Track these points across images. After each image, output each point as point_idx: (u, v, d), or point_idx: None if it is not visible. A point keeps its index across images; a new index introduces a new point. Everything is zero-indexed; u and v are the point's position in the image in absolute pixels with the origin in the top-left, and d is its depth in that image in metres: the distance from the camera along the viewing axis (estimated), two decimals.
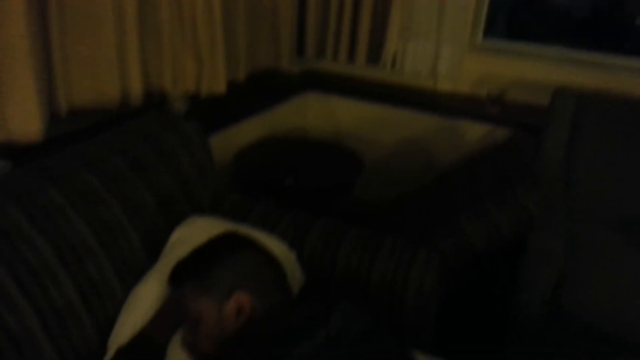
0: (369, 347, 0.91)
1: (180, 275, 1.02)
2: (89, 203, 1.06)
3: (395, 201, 1.90)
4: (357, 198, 2.32)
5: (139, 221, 1.15)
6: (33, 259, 0.94)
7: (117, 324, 1.05)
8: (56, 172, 1.06)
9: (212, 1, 1.67)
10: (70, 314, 0.98)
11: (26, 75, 1.21)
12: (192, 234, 1.19)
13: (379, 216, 1.75)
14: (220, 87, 1.80)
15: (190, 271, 1.01)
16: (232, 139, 2.07)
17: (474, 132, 2.15)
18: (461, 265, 1.45)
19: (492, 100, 2.12)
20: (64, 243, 0.99)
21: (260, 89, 2.24)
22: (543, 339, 1.43)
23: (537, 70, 2.14)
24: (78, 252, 1.01)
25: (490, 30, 2.30)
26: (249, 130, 2.16)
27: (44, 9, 1.25)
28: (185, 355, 0.99)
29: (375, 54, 2.27)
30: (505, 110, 2.12)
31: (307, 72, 2.54)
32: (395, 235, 1.34)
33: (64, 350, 0.97)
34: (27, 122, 1.25)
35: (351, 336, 0.90)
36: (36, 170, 1.06)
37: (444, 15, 2.14)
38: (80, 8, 1.34)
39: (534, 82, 2.13)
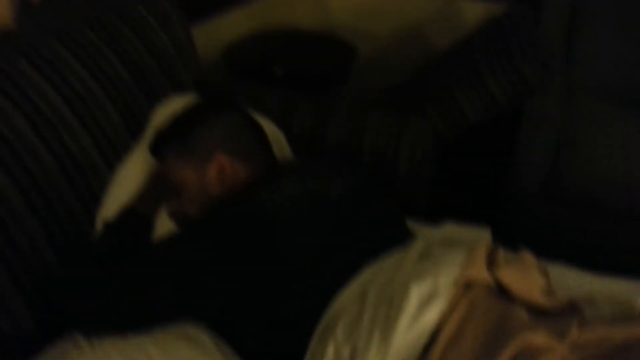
0: (349, 205, 0.90)
1: (160, 144, 0.99)
2: (61, 75, 1.01)
3: (390, 88, 1.85)
4: (354, 94, 2.25)
5: (116, 95, 1.10)
6: (8, 131, 0.91)
7: (104, 201, 1.04)
8: (26, 43, 1.01)
9: None
10: (52, 188, 0.96)
11: None
12: (174, 110, 1.15)
13: (373, 100, 1.70)
14: None
15: (170, 139, 0.98)
16: (219, 32, 1.98)
17: (472, 11, 2.03)
18: (456, 136, 1.41)
19: None
20: (37, 115, 0.96)
21: None
22: (541, 209, 1.43)
23: None
24: (54, 125, 0.98)
25: None
26: (236, 23, 2.06)
27: None
28: (173, 224, 0.99)
29: None
30: None
31: None
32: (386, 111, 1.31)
33: (49, 225, 0.95)
34: None
35: (330, 192, 0.90)
36: (5, 42, 1.02)
37: None
38: None
39: None
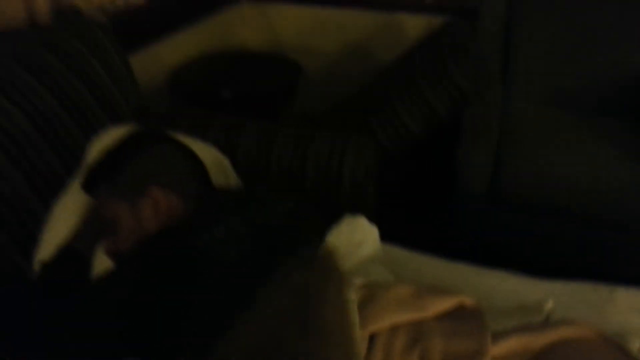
0: (289, 227, 0.90)
1: (93, 180, 0.98)
2: None
3: (334, 106, 1.87)
4: (301, 112, 2.27)
5: (51, 132, 1.08)
6: None
7: (40, 239, 1.01)
8: None
9: None
10: None
11: None
12: (112, 143, 1.13)
13: (319, 118, 1.71)
14: None
15: (103, 175, 0.97)
16: (162, 58, 1.96)
17: (413, 24, 2.08)
18: (401, 152, 1.43)
19: None
20: None
21: (188, 0, 2.11)
22: (486, 219, 1.46)
23: None
24: None
25: None
26: (180, 47, 2.04)
27: None
28: (110, 261, 0.97)
29: None
30: None
31: None
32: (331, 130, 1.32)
33: None
34: None
35: (270, 219, 0.89)
36: None
37: None
38: None
39: None
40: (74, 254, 0.96)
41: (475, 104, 1.42)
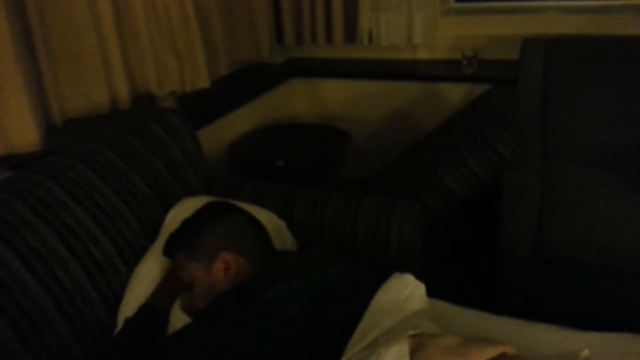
0: (343, 286, 1.00)
1: (172, 246, 1.12)
2: (87, 194, 1.16)
3: (381, 171, 1.98)
4: (349, 178, 2.40)
5: (136, 206, 1.25)
6: (40, 246, 1.04)
7: (124, 300, 1.16)
8: (53, 168, 1.17)
9: (184, 1, 1.77)
10: (80, 294, 1.08)
11: (19, 92, 1.32)
12: (185, 212, 1.28)
13: (365, 183, 1.83)
14: (204, 82, 1.89)
15: (180, 241, 1.11)
16: (224, 132, 2.17)
17: (455, 93, 2.22)
18: (445, 215, 1.52)
19: (469, 60, 2.18)
20: (67, 230, 1.09)
21: (246, 82, 2.34)
22: (531, 277, 1.50)
23: (508, 24, 2.21)
24: (81, 238, 1.11)
25: None
26: (239, 122, 2.25)
27: (29, 32, 1.36)
28: (186, 317, 1.09)
29: (351, 32, 2.35)
30: (482, 68, 2.19)
31: (289, 60, 2.63)
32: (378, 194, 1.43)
33: (77, 327, 1.07)
34: (24, 135, 1.36)
35: (327, 278, 1.00)
36: (34, 168, 1.17)
37: None
38: (61, 25, 1.44)
39: (507, 37, 2.19)
40: (153, 310, 1.10)
41: (516, 167, 1.50)
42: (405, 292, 0.96)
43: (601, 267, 1.43)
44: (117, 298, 1.16)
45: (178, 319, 1.10)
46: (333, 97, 2.55)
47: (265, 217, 1.29)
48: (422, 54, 2.40)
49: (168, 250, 1.13)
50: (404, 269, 1.26)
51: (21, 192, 1.08)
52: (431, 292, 1.08)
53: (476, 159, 1.49)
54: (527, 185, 1.48)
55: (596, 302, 1.43)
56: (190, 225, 1.12)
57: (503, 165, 1.49)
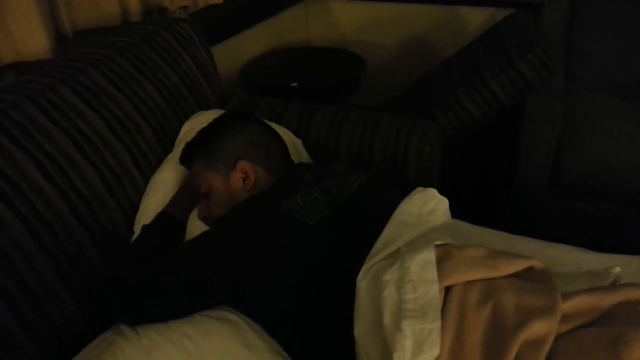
0: (363, 198, 0.99)
1: (189, 155, 1.10)
2: (100, 100, 1.13)
3: (396, 96, 1.93)
4: (362, 104, 2.35)
5: (150, 116, 1.22)
6: (53, 150, 1.02)
7: (140, 208, 1.15)
8: (65, 72, 1.13)
9: None
10: (96, 199, 1.07)
11: (29, 2, 1.26)
12: (201, 124, 1.25)
13: (381, 107, 1.79)
14: None
15: (197, 149, 1.09)
16: (236, 51, 2.11)
17: (475, 18, 2.13)
18: (464, 139, 1.49)
19: None
20: (80, 135, 1.07)
21: (259, 0, 2.24)
22: (547, 201, 1.49)
23: None
24: (95, 144, 1.09)
25: None
26: (252, 42, 2.19)
27: None
28: (203, 225, 1.09)
29: None
30: None
31: None
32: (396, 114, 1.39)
33: (94, 232, 1.06)
34: (34, 41, 1.31)
35: (347, 191, 0.98)
36: (43, 72, 1.13)
37: None
38: None
39: None
40: (171, 218, 1.09)
41: (538, 93, 1.45)
42: (428, 205, 0.94)
43: (617, 192, 1.42)
44: (134, 207, 1.15)
45: (195, 226, 1.10)
46: (348, 20, 2.46)
47: (281, 132, 1.26)
48: None
49: (185, 159, 1.11)
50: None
51: (32, 94, 1.05)
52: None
53: (499, 81, 1.44)
54: (550, 110, 1.44)
55: (613, 228, 1.42)
56: (208, 133, 1.09)
57: (526, 88, 1.44)
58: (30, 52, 1.32)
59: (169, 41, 1.35)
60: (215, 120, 1.12)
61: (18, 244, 0.93)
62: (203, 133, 1.10)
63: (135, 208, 1.15)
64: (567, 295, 0.74)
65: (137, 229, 1.11)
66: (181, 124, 1.29)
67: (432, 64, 2.19)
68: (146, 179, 1.18)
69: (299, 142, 1.34)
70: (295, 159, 1.26)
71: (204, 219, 1.08)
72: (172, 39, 1.36)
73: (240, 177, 1.04)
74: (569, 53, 1.70)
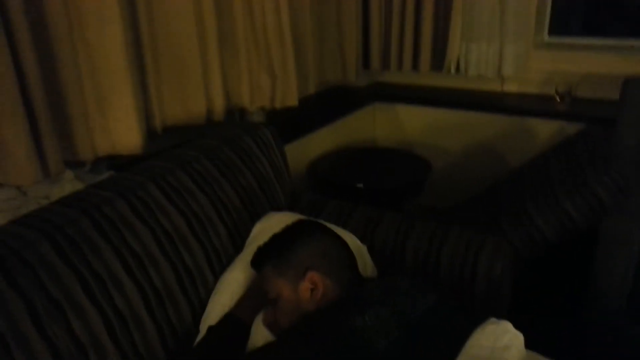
0: (433, 322, 0.96)
1: (260, 259, 1.13)
2: (183, 198, 1.20)
3: (465, 201, 1.93)
4: (428, 205, 2.35)
5: (226, 215, 1.28)
6: (137, 246, 1.09)
7: (208, 307, 1.17)
8: (154, 171, 1.22)
9: (282, 22, 1.82)
10: (169, 295, 1.12)
11: (127, 96, 1.39)
12: (272, 226, 1.30)
13: (448, 213, 1.78)
14: (293, 100, 1.93)
15: (269, 255, 1.11)
16: (305, 149, 2.20)
17: (544, 129, 2.13)
18: (533, 256, 1.45)
19: (561, 96, 2.10)
20: (162, 232, 1.13)
21: (330, 103, 2.37)
22: (624, 332, 1.40)
23: (605, 63, 2.10)
24: (174, 241, 1.15)
25: (558, 28, 2.29)
26: (320, 141, 2.28)
27: (139, 43, 1.44)
28: (268, 332, 1.09)
29: (438, 60, 2.33)
30: (575, 106, 2.10)
31: (373, 84, 2.64)
32: (464, 227, 1.38)
33: (163, 328, 1.10)
34: (128, 136, 1.43)
35: (415, 311, 0.97)
36: (136, 170, 1.23)
37: (505, 15, 2.16)
38: (169, 37, 1.52)
39: (602, 75, 2.10)
40: (236, 321, 1.11)
41: (614, 214, 1.41)
42: (503, 340, 0.91)
43: None
44: (203, 304, 1.18)
45: (259, 332, 1.10)
46: (414, 123, 2.53)
47: (347, 239, 1.28)
48: (511, 87, 2.34)
49: (256, 263, 1.14)
50: (488, 309, 1.21)
51: (124, 192, 1.13)
52: None
53: (572, 201, 1.42)
54: (626, 233, 1.39)
55: None
56: (280, 240, 1.12)
57: (601, 210, 1.41)
58: (125, 147, 1.44)
59: (249, 144, 1.44)
60: (288, 228, 1.15)
61: (94, 337, 0.97)
62: (276, 239, 1.13)
63: (203, 305, 1.18)
64: None
65: (203, 329, 1.13)
66: (253, 222, 1.34)
67: (498, 172, 2.19)
68: (217, 277, 1.22)
69: (364, 248, 1.35)
70: (360, 264, 1.26)
71: (268, 325, 1.09)
72: (252, 142, 1.45)
73: (308, 288, 1.05)
74: None
